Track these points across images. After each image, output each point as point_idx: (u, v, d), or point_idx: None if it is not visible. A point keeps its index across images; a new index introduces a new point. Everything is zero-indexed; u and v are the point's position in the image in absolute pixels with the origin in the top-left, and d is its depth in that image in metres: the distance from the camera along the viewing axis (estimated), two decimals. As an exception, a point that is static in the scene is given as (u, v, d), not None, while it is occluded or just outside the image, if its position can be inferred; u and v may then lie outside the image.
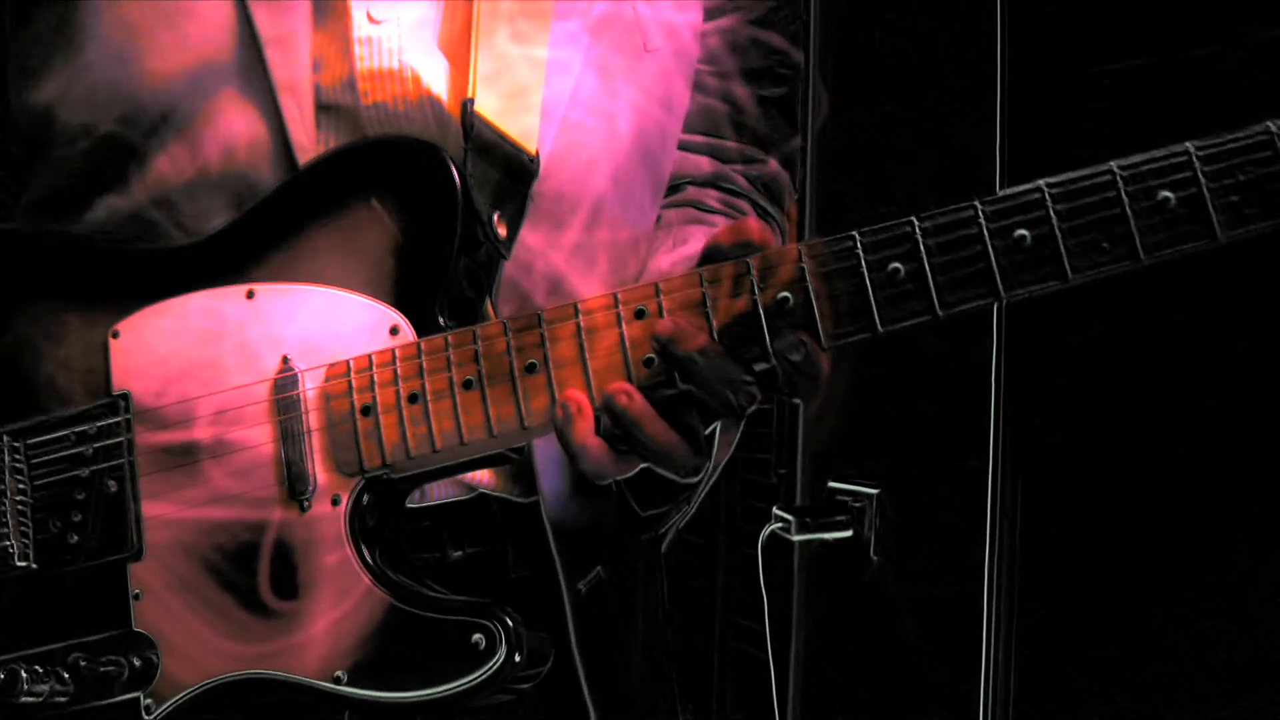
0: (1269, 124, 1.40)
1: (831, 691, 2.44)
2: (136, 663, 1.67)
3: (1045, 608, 2.17)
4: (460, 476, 1.76)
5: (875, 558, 2.32)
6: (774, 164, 2.04)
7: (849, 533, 2.33)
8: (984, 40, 2.11)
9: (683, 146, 1.97)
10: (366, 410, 1.64)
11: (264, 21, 1.75)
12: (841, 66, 2.34)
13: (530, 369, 1.60)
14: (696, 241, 1.91)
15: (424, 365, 1.63)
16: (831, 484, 2.35)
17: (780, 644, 2.41)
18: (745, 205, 2.01)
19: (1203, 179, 1.42)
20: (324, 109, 1.75)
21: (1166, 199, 1.43)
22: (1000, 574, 2.16)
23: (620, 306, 1.58)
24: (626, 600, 1.93)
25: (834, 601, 2.41)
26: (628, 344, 1.57)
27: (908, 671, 2.29)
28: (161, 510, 1.69)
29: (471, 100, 1.73)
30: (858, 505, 2.32)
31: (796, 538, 2.35)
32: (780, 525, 2.35)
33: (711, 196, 2.00)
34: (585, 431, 1.57)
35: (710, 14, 1.96)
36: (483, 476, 1.78)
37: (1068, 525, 2.15)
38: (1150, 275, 1.48)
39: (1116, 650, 2.09)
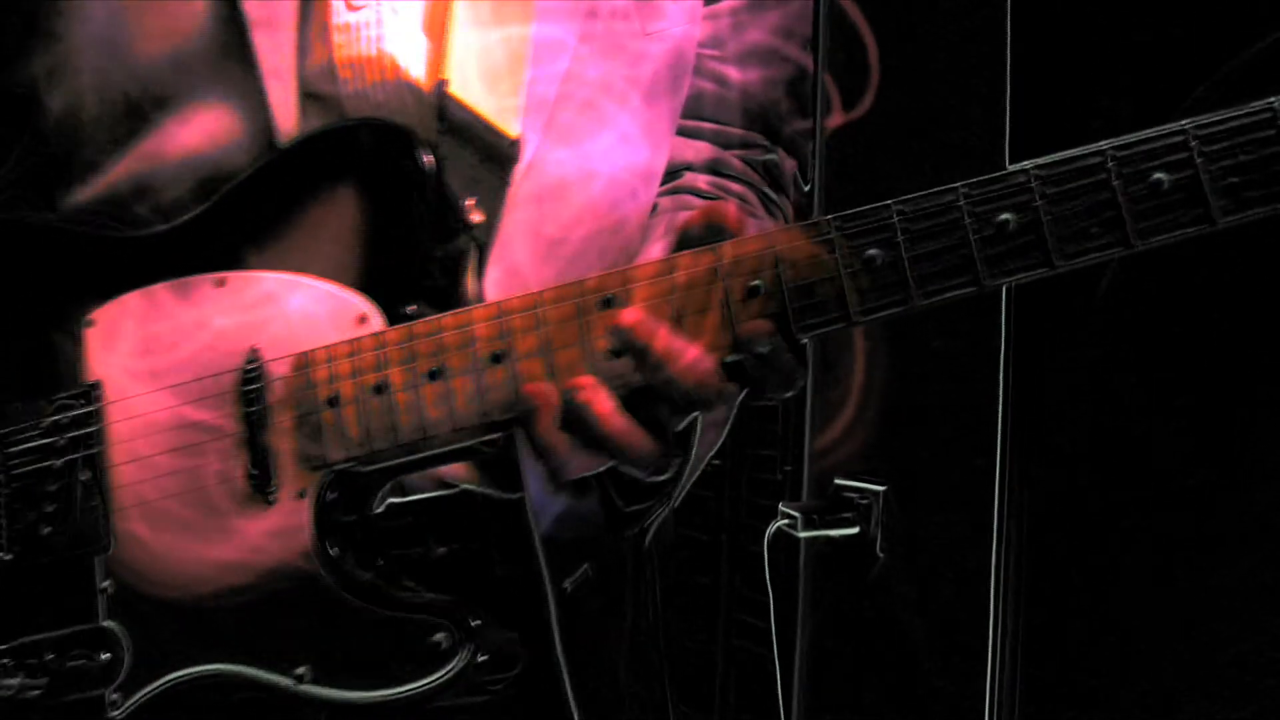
0: (1271, 100, 1.29)
1: (836, 690, 2.39)
2: (104, 656, 1.63)
3: (1052, 607, 2.11)
4: (440, 471, 1.70)
5: (881, 555, 2.25)
6: (778, 149, 1.98)
7: (855, 530, 2.26)
8: (993, 36, 2.05)
9: (682, 132, 1.91)
10: (332, 401, 1.59)
11: (251, 5, 1.70)
12: (849, 64, 2.28)
13: (495, 359, 1.53)
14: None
15: (388, 356, 1.57)
16: (838, 481, 2.28)
17: (785, 641, 2.35)
18: (742, 190, 1.95)
19: (1200, 159, 1.31)
20: (308, 96, 1.71)
21: (1160, 181, 1.33)
22: (1007, 573, 2.09)
23: (587, 295, 1.50)
24: (613, 599, 1.88)
25: (839, 599, 2.35)
26: (593, 334, 1.50)
27: (913, 670, 2.23)
28: (132, 502, 1.64)
29: (445, 82, 1.68)
30: (864, 502, 2.26)
31: (802, 534, 2.29)
32: (786, 522, 2.29)
33: (708, 182, 1.94)
34: (548, 426, 1.50)
35: None
36: (460, 470, 1.72)
37: (1075, 525, 2.09)
38: (1164, 269, 1.39)
39: (1124, 651, 2.03)
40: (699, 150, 1.93)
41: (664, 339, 1.46)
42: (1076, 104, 2.03)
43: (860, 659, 2.34)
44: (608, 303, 1.49)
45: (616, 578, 1.89)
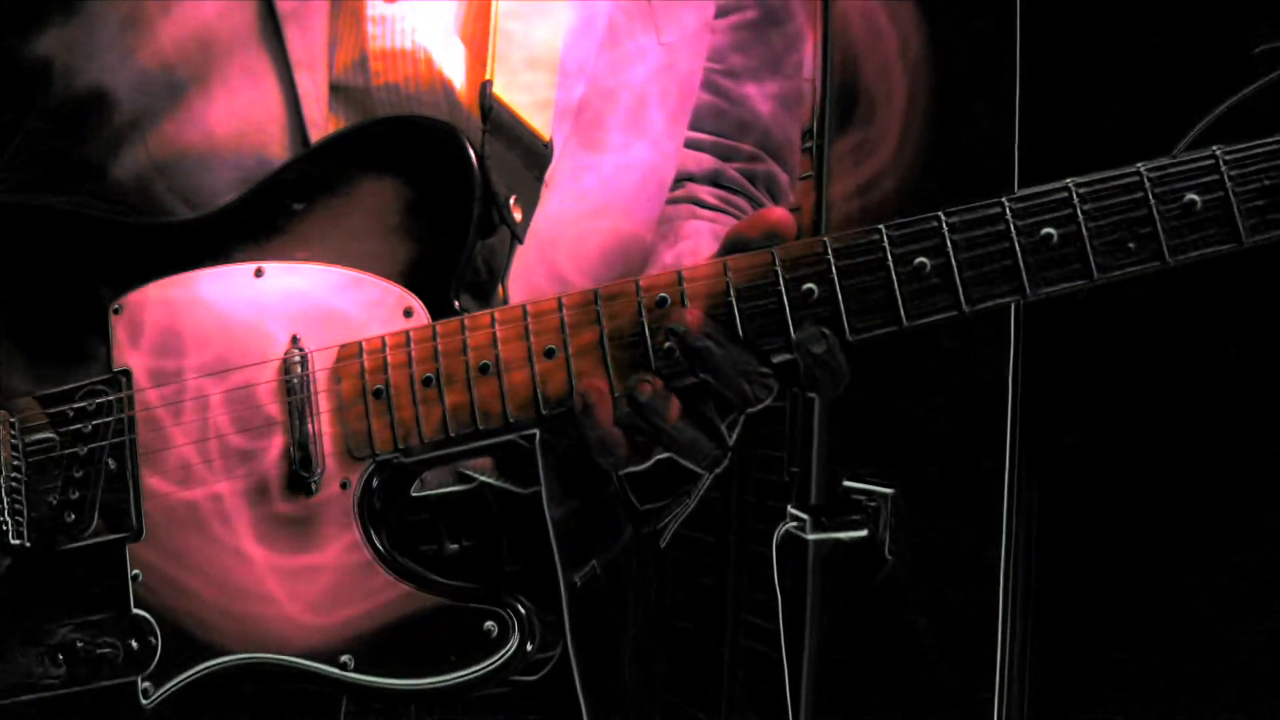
0: None
1: (845, 691, 2.48)
2: (134, 645, 1.71)
3: (1061, 609, 2.20)
4: (457, 465, 1.80)
5: (889, 557, 2.36)
6: (773, 163, 2.10)
7: (864, 532, 2.38)
8: (1004, 55, 2.16)
9: (686, 143, 2.03)
10: (379, 393, 1.68)
11: None
12: (862, 81, 2.40)
13: (548, 354, 1.64)
14: (696, 238, 1.98)
15: (439, 348, 1.67)
16: (846, 483, 2.40)
17: (793, 643, 2.45)
18: (743, 202, 2.07)
19: (1229, 183, 1.48)
20: (335, 88, 1.79)
21: (1193, 201, 1.49)
22: (1015, 575, 2.20)
23: (641, 294, 1.62)
24: (619, 595, 1.97)
25: (848, 601, 2.45)
26: (648, 332, 1.61)
27: (922, 672, 2.32)
28: (163, 490, 1.72)
29: (489, 82, 1.78)
30: (872, 505, 2.37)
31: (811, 536, 2.40)
32: (795, 524, 2.40)
33: (710, 193, 2.05)
34: (605, 420, 1.61)
35: (721, 10, 2.01)
36: (484, 464, 1.82)
37: (1084, 526, 2.18)
38: (1172, 274, 1.54)
39: (1134, 653, 2.12)
40: (700, 161, 2.04)
41: (719, 339, 1.58)
42: (1085, 109, 2.15)
43: (868, 660, 2.43)
44: (662, 302, 1.61)
45: (622, 575, 1.98)
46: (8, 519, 1.74)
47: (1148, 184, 1.50)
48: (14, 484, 1.75)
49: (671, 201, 2.02)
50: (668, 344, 1.61)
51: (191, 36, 1.80)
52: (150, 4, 1.81)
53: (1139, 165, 1.50)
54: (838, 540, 2.39)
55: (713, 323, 1.59)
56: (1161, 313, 2.05)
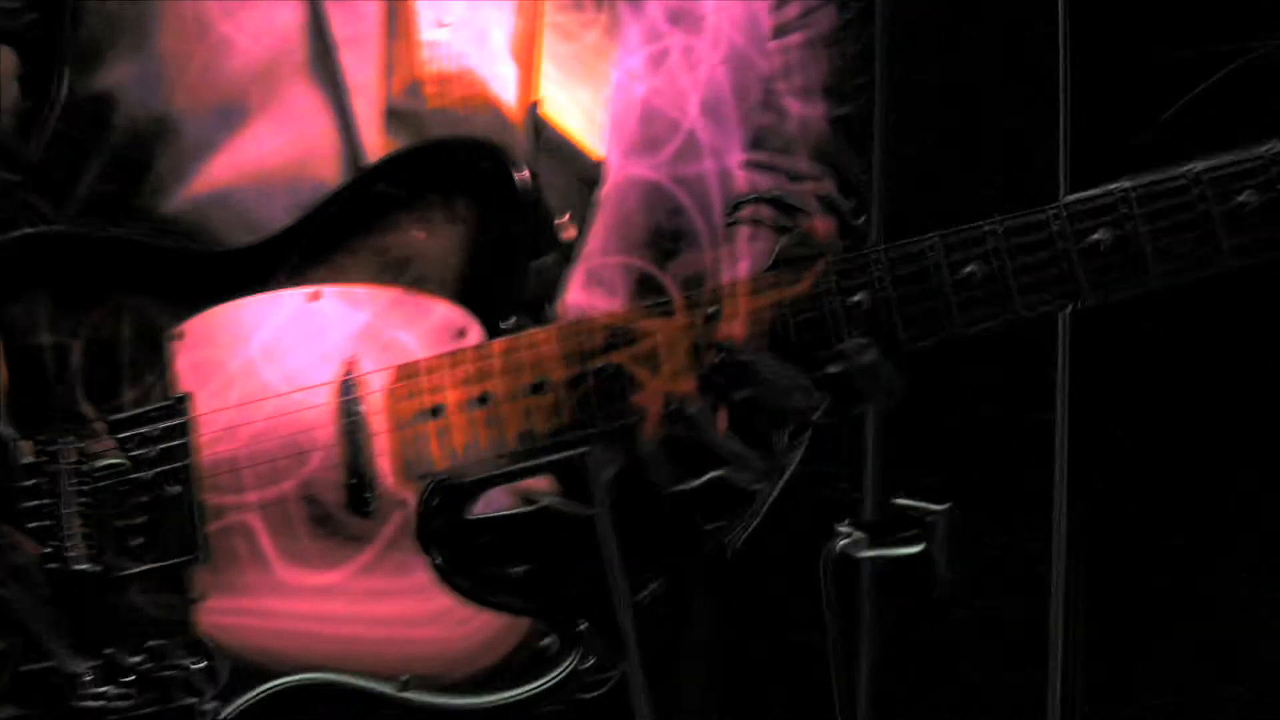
0: None
1: (898, 710, 2.46)
2: (198, 667, 1.70)
3: (1117, 626, 2.18)
4: (520, 486, 1.78)
5: (944, 575, 2.33)
6: (835, 183, 2.06)
7: (917, 549, 2.35)
8: (1046, 53, 2.14)
9: (747, 163, 2.00)
10: (436, 412, 1.67)
11: (337, 22, 1.80)
12: (903, 81, 2.37)
13: (599, 371, 1.63)
14: (755, 259, 1.94)
15: (492, 367, 1.66)
16: (898, 500, 2.37)
17: (846, 662, 2.42)
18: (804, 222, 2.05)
19: None
20: (392, 113, 1.80)
21: (1248, 202, 1.44)
22: (1071, 592, 2.18)
23: (692, 309, 1.61)
24: (683, 616, 1.96)
25: (901, 620, 2.43)
26: (699, 347, 1.60)
27: (976, 690, 2.31)
28: (224, 514, 1.72)
29: (538, 103, 1.79)
30: (927, 522, 2.34)
31: (864, 554, 2.37)
32: (848, 541, 2.37)
33: (771, 214, 2.03)
34: (655, 435, 1.61)
35: (779, 31, 2.00)
36: (542, 483, 1.79)
37: (1138, 542, 2.17)
38: (1226, 286, 1.49)
39: (1190, 669, 2.10)
40: (761, 182, 2.00)
41: (767, 354, 1.57)
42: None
43: (922, 678, 2.41)
44: (711, 317, 1.60)
45: (686, 595, 1.96)
46: (74, 544, 1.74)
47: (1201, 184, 1.45)
48: (81, 509, 1.75)
49: (731, 222, 2.00)
50: (718, 358, 1.59)
51: (248, 67, 1.81)
52: (209, 37, 1.82)
53: (1191, 164, 1.45)
54: (892, 557, 2.36)
55: (761, 336, 1.58)
56: (1217, 326, 2.03)
